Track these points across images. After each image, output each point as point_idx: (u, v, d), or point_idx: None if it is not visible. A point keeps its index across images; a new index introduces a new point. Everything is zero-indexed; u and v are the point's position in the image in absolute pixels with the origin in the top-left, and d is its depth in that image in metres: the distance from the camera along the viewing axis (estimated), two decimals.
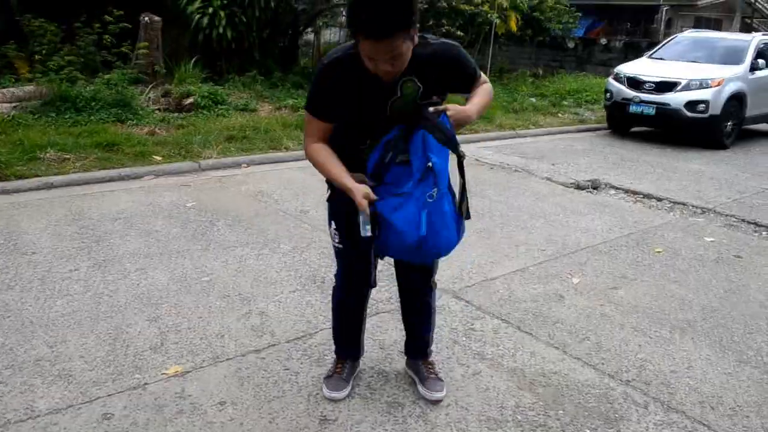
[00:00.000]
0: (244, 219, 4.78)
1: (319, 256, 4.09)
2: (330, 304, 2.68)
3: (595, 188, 6.43)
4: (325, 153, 2.16)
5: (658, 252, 4.57)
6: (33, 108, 7.61)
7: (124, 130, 7.30)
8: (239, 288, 3.58)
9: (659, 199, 6.12)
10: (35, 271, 3.71)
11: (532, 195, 5.98)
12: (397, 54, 1.89)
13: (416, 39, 1.99)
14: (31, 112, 7.50)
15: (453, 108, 2.09)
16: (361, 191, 2.03)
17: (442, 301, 3.43)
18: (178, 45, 11.98)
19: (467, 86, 2.23)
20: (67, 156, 6.11)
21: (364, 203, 2.01)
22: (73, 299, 3.37)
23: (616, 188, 6.48)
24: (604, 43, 20.80)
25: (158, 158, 6.41)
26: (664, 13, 23.37)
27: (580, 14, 18.61)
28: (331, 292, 2.66)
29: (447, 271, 3.78)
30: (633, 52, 19.23)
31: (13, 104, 7.66)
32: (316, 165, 2.20)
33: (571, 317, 3.43)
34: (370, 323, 2.87)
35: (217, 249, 4.17)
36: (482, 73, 2.27)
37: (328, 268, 3.85)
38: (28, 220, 4.58)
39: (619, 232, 4.97)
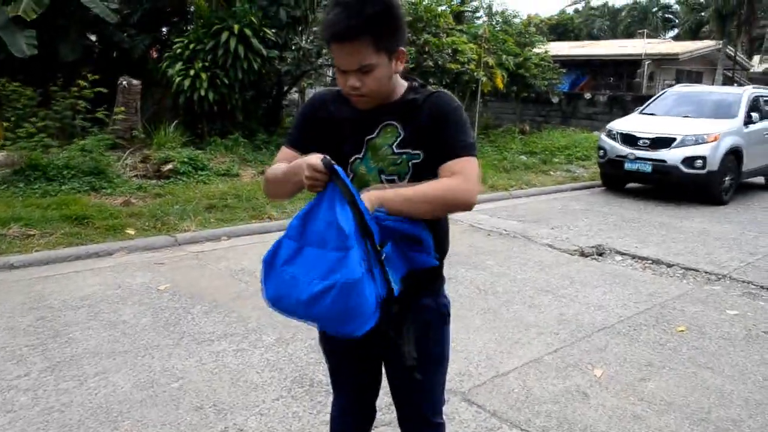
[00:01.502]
0: (223, 304, 4.30)
1: (306, 350, 3.61)
2: (320, 416, 2.20)
3: (600, 255, 6.04)
4: (279, 164, 1.83)
5: (681, 331, 4.14)
6: (1, 177, 7.17)
7: (97, 201, 6.87)
8: (215, 396, 3.09)
9: (669, 265, 5.73)
10: None
11: (536, 265, 5.57)
12: (366, 67, 1.64)
13: (407, 83, 1.79)
14: None
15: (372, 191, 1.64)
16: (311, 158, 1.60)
17: (450, 406, 2.96)
18: (159, 108, 11.72)
19: (443, 156, 1.69)
20: (32, 232, 5.64)
21: (313, 160, 1.58)
22: (17, 417, 2.85)
23: (622, 254, 6.09)
24: (588, 98, 20.89)
25: (131, 232, 5.95)
26: (646, 66, 23.68)
27: (564, 70, 18.72)
28: (319, 398, 2.18)
29: (453, 364, 3.30)
30: (617, 105, 19.34)
31: None
32: (268, 179, 1.84)
33: (600, 422, 2.96)
34: None
35: (190, 344, 3.68)
36: (471, 160, 1.70)
37: (317, 365, 3.37)
38: None
39: (635, 308, 4.54)
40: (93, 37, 12.22)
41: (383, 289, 1.56)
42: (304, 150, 1.78)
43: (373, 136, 1.75)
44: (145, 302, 4.33)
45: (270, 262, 1.61)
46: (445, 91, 1.82)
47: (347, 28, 1.60)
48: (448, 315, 1.89)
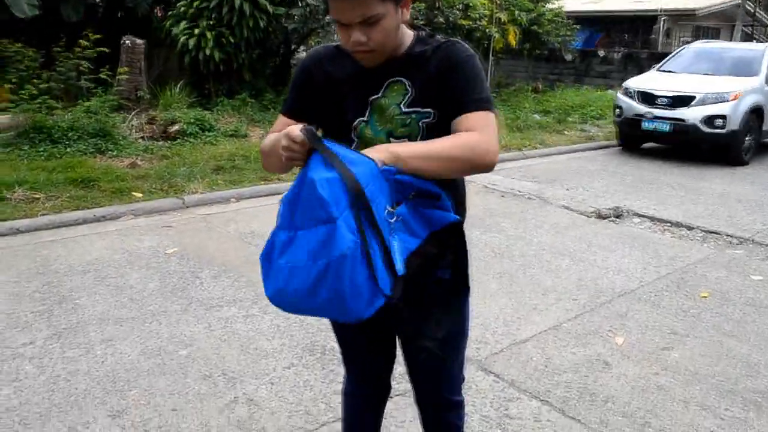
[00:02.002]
0: (232, 268, 4.20)
1: None
2: (332, 385, 2.09)
3: (617, 217, 5.87)
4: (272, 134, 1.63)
5: (705, 297, 4.01)
6: (6, 140, 7.05)
7: (103, 163, 6.74)
8: (223, 364, 3.00)
9: (690, 228, 5.57)
10: None
11: (552, 228, 5.42)
12: (371, 18, 1.44)
13: (413, 33, 1.60)
14: (4, 144, 6.94)
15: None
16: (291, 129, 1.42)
17: (466, 375, 2.85)
18: (165, 69, 11.49)
19: (456, 111, 1.51)
20: (37, 195, 5.54)
21: (291, 130, 1.40)
22: (23, 386, 2.78)
23: (641, 216, 5.92)
24: (602, 55, 20.38)
25: (138, 195, 5.83)
26: (662, 23, 23.04)
27: (578, 27, 18.22)
28: (332, 367, 2.07)
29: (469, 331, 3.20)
30: (632, 63, 18.86)
31: None
32: (262, 151, 1.65)
33: (623, 393, 2.85)
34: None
35: (199, 309, 3.58)
36: (489, 116, 1.51)
37: (329, 332, 3.26)
38: None
39: (656, 272, 4.40)
40: None
41: (384, 272, 1.35)
42: (302, 117, 1.61)
43: (378, 95, 1.58)
44: (152, 266, 4.24)
45: (267, 257, 1.41)
46: (457, 39, 1.61)
47: None
48: (468, 288, 1.69)
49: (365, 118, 1.58)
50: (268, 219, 1.48)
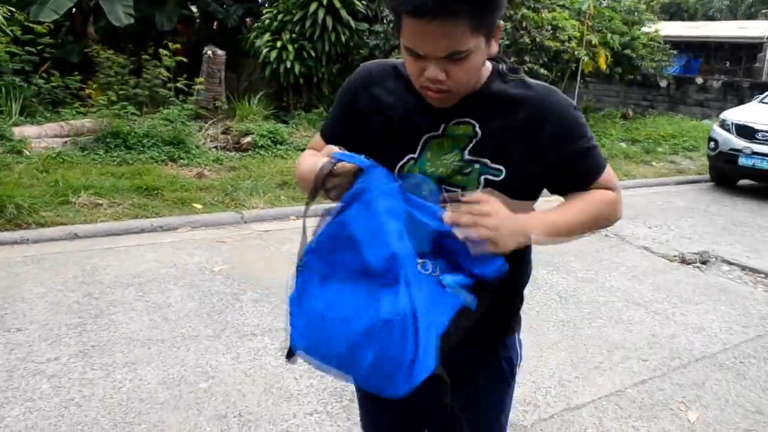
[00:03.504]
0: (276, 292, 4.01)
1: None
2: None
3: (704, 263, 5.31)
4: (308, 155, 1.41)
5: None
6: (84, 143, 7.22)
7: (172, 171, 6.77)
8: (242, 403, 2.78)
9: None
10: (8, 358, 3.05)
11: (628, 271, 4.94)
12: (458, 54, 1.14)
13: (498, 67, 1.31)
14: (82, 147, 7.11)
15: (484, 200, 1.17)
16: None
17: None
18: (252, 80, 11.66)
19: (572, 184, 1.31)
20: (100, 201, 5.57)
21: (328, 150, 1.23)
22: (34, 407, 2.66)
23: (731, 264, 5.34)
24: (700, 83, 19.26)
25: (199, 206, 5.79)
26: (767, 51, 21.60)
27: (675, 52, 17.31)
28: (356, 419, 1.83)
29: (517, 389, 2.85)
30: (732, 92, 17.72)
31: (66, 138, 7.32)
32: (298, 175, 1.39)
33: None
34: None
35: (231, 336, 3.40)
36: (609, 172, 1.34)
37: None
38: (33, 282, 3.98)
39: (743, 334, 3.88)
40: (194, 8, 12.35)
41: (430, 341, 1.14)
42: (340, 142, 1.33)
43: (438, 133, 1.27)
44: (196, 284, 4.11)
45: (298, 300, 1.24)
46: (543, 85, 1.31)
47: (442, 1, 1.08)
48: (515, 375, 1.46)
49: (415, 156, 1.29)
50: None
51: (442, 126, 1.26)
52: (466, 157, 1.25)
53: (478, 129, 1.25)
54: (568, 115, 1.27)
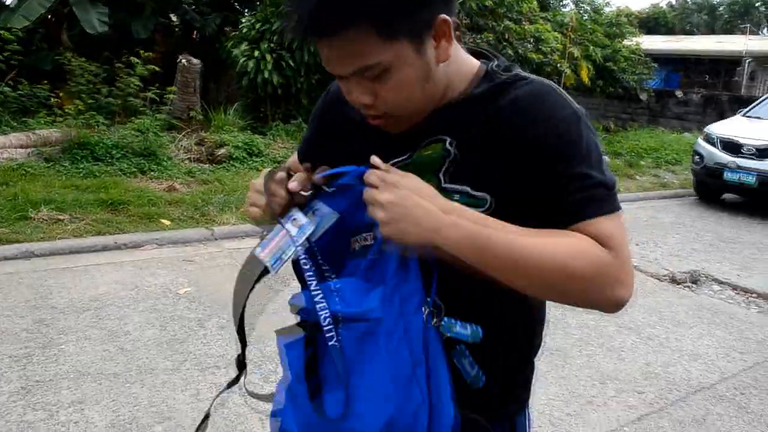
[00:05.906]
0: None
1: None
2: None
3: (694, 282, 5.12)
4: None
5: None
6: (50, 154, 6.88)
7: (140, 184, 6.45)
8: None
9: None
10: None
11: None
12: (369, 70, 0.91)
13: (478, 64, 1.05)
14: (46, 158, 6.77)
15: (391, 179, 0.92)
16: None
17: None
18: (231, 91, 11.37)
19: (563, 213, 0.92)
20: (62, 216, 5.24)
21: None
22: None
23: (721, 283, 5.15)
24: (680, 96, 19.30)
25: (167, 222, 5.48)
26: (747, 65, 21.79)
27: (656, 65, 17.34)
28: None
29: None
30: (711, 106, 17.81)
31: (31, 149, 6.96)
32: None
33: None
34: None
35: (192, 369, 3.10)
36: (618, 223, 0.94)
37: None
38: None
39: (741, 361, 3.66)
40: (174, 17, 12.06)
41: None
42: (314, 160, 1.10)
43: (405, 158, 1.01)
44: (157, 308, 3.80)
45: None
46: (546, 82, 1.00)
47: (331, 13, 0.87)
48: None
49: None
50: None
51: (408, 153, 1.01)
52: (444, 185, 0.97)
53: (449, 146, 0.98)
54: (563, 122, 0.95)
